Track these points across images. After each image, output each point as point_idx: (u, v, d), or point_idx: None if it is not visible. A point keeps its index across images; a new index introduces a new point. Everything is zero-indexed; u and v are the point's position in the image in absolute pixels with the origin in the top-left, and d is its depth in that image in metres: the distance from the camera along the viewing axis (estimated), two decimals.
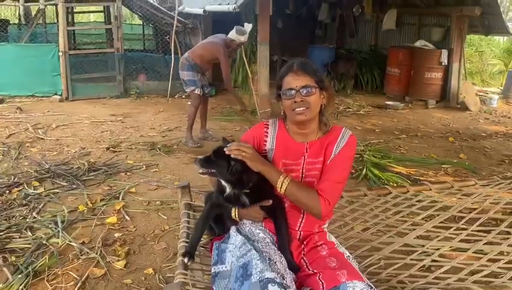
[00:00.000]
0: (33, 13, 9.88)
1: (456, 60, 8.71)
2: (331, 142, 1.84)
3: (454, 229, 2.14)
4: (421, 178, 4.70)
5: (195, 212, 2.32)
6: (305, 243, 1.81)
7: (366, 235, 2.14)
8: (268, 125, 1.95)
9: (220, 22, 9.36)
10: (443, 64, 8.62)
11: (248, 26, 5.57)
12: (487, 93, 10.03)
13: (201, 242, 2.01)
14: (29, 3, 9.13)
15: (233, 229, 1.82)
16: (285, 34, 11.18)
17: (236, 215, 1.81)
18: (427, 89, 8.81)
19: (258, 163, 1.73)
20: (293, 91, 1.77)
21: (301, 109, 1.77)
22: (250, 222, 1.84)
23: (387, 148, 5.85)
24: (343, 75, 9.83)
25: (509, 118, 8.23)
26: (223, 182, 1.81)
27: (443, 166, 5.16)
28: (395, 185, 4.10)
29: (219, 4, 7.70)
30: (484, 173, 5.02)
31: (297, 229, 1.83)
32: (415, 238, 2.08)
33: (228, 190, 1.80)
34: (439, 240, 2.07)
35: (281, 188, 1.73)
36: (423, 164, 5.22)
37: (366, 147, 5.59)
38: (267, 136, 1.91)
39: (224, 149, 1.73)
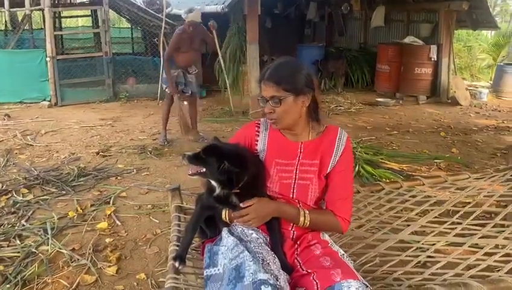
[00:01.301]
0: (19, 19, 9.77)
1: (445, 55, 8.74)
2: (329, 146, 1.80)
3: (449, 224, 2.12)
4: (413, 174, 4.70)
5: (186, 215, 2.27)
6: (298, 242, 1.77)
7: (360, 233, 2.10)
8: (259, 124, 1.90)
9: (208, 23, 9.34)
10: (432, 59, 8.66)
11: (196, 9, 5.39)
12: (477, 88, 10.07)
13: (193, 245, 1.97)
14: (15, 9, 9.01)
15: (225, 230, 1.78)
16: (274, 33, 11.14)
17: (227, 217, 1.76)
18: (418, 85, 8.83)
19: (269, 211, 1.71)
20: (264, 100, 1.76)
21: (272, 119, 1.77)
22: None
23: (379, 144, 5.84)
24: (333, 74, 9.82)
25: (499, 111, 8.26)
26: (213, 182, 1.76)
27: (435, 161, 5.15)
28: (388, 181, 4.08)
29: (207, 5, 7.65)
30: (477, 166, 5.02)
31: (290, 228, 1.79)
32: (409, 234, 2.05)
33: (218, 190, 1.75)
34: (434, 235, 2.05)
35: (304, 223, 1.73)
36: (415, 160, 5.21)
37: (358, 144, 5.56)
38: (258, 136, 1.87)
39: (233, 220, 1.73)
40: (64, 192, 4.04)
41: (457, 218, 2.16)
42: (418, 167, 4.93)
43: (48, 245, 3.07)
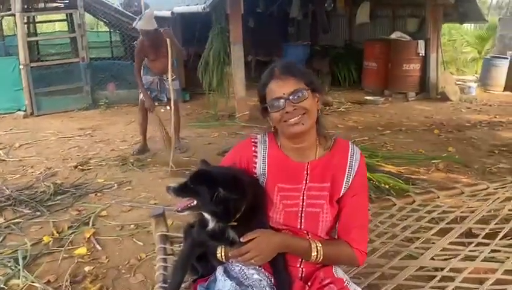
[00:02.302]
0: None
1: (433, 50, 8.57)
2: (340, 166, 1.53)
3: (475, 245, 1.85)
4: (412, 176, 4.48)
5: (173, 245, 1.98)
6: (309, 283, 1.48)
7: (374, 260, 1.83)
8: (256, 142, 1.60)
9: (191, 25, 9.03)
10: (420, 55, 8.48)
11: (145, 16, 5.04)
12: (465, 82, 9.94)
13: (182, 285, 1.68)
14: None
15: (220, 270, 1.49)
16: (258, 33, 10.90)
17: (223, 256, 1.47)
18: (406, 81, 8.65)
19: (275, 246, 1.43)
20: (282, 100, 1.45)
21: (296, 118, 1.45)
22: None
23: (372, 146, 5.61)
24: (318, 72, 9.58)
25: (490, 105, 8.13)
26: (205, 215, 1.47)
27: (433, 161, 4.93)
28: (390, 189, 3.83)
29: (187, 5, 7.34)
30: (476, 165, 4.83)
31: (298, 265, 1.50)
32: (431, 259, 1.78)
33: (211, 223, 1.46)
34: (459, 260, 1.78)
35: (317, 257, 1.46)
36: (412, 161, 4.99)
37: None
38: (256, 157, 1.57)
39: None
40: (38, 213, 3.69)
41: (483, 237, 1.90)
42: (416, 169, 4.71)
43: (19, 278, 2.74)
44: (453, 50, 13.14)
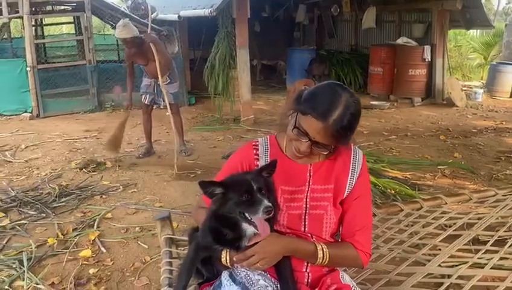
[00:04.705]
0: None
1: (439, 56, 8.55)
2: (343, 167, 1.52)
3: (484, 253, 1.83)
4: (418, 182, 4.46)
5: (178, 249, 1.97)
6: (316, 289, 1.47)
7: (381, 265, 1.81)
8: (257, 145, 1.59)
9: (197, 28, 9.05)
10: (426, 60, 8.46)
11: (120, 25, 4.99)
12: (471, 88, 9.90)
13: (187, 289, 1.66)
14: None
15: (225, 275, 1.48)
16: (264, 37, 10.92)
17: (228, 261, 1.46)
18: (412, 87, 8.63)
19: (280, 249, 1.41)
20: (306, 138, 1.41)
21: (300, 155, 1.48)
22: None
23: (378, 151, 5.59)
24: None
25: (496, 112, 8.09)
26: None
27: (439, 167, 4.91)
28: (396, 195, 3.81)
29: (194, 9, 7.35)
30: (482, 172, 4.80)
31: (304, 270, 1.49)
32: (438, 266, 1.76)
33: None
34: (468, 268, 1.76)
35: (323, 260, 1.44)
36: (418, 166, 4.97)
37: None
38: (258, 160, 1.56)
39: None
40: (43, 215, 3.69)
41: (491, 245, 1.88)
42: (422, 175, 4.68)
43: (24, 280, 2.73)
44: (459, 56, 13.09)
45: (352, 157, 1.53)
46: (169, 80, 5.10)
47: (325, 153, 1.48)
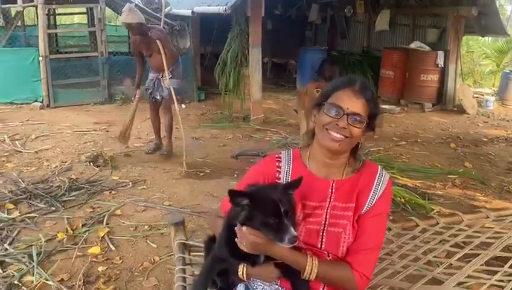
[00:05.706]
0: (13, 15, 9.38)
1: (452, 62, 8.48)
2: (366, 186, 1.50)
3: (502, 274, 1.80)
4: (428, 191, 4.44)
5: (191, 255, 1.97)
6: None
7: (395, 282, 1.80)
8: (280, 158, 1.59)
9: (209, 24, 9.02)
10: (439, 66, 8.39)
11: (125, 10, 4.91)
12: (482, 95, 9.83)
13: None
14: (7, 5, 8.62)
15: (241, 289, 1.47)
16: (275, 35, 10.85)
17: (244, 275, 1.45)
18: (423, 92, 8.57)
19: (269, 250, 1.38)
20: (341, 112, 1.43)
21: (339, 135, 1.44)
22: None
23: (388, 156, 5.56)
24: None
25: (508, 121, 8.02)
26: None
27: (449, 176, 4.87)
28: (406, 203, 3.78)
29: (208, 5, 7.33)
30: (493, 183, 4.76)
31: (321, 289, 1.48)
32: (455, 286, 1.74)
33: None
34: (486, 289, 1.74)
35: (310, 273, 1.40)
36: (428, 175, 4.93)
37: (366, 156, 5.28)
38: (280, 173, 1.55)
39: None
40: (53, 208, 3.70)
41: (509, 266, 1.86)
42: (432, 184, 4.65)
43: (33, 275, 2.74)
44: (470, 62, 12.98)
45: (377, 177, 1.51)
46: (171, 76, 5.03)
47: (361, 129, 1.45)
